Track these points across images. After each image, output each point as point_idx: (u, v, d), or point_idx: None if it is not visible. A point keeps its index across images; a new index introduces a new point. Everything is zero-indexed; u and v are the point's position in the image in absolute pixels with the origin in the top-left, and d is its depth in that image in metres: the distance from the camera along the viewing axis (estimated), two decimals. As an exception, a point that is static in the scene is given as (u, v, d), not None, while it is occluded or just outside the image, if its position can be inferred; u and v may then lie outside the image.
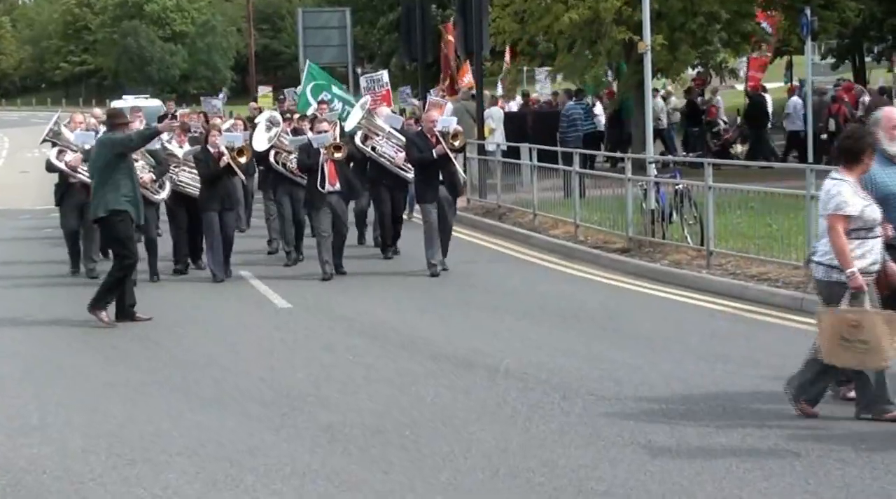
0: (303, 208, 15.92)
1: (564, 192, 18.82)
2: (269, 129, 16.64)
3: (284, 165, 16.45)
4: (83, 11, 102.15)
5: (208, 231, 15.07)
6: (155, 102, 38.56)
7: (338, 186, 15.02)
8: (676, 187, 15.92)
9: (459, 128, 15.40)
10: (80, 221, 15.46)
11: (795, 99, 29.06)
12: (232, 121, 19.75)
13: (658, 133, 27.89)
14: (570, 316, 12.31)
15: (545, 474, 7.12)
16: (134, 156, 13.54)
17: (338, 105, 20.78)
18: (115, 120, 12.98)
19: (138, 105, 26.48)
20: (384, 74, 23.92)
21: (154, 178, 15.17)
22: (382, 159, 16.62)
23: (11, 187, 31.10)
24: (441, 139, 14.91)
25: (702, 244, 14.71)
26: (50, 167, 15.82)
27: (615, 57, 25.91)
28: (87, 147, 14.88)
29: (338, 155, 14.96)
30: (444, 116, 16.24)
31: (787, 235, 13.71)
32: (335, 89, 21.07)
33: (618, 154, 23.85)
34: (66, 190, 15.72)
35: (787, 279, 13.12)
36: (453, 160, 15.23)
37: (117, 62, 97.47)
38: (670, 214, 15.92)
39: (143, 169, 14.60)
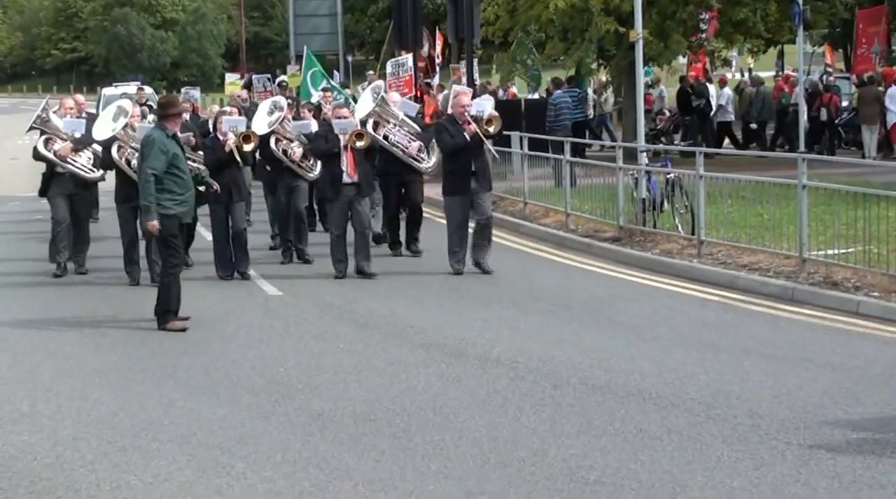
0: (303, 203, 15.32)
1: (555, 180, 18.81)
2: (270, 113, 15.46)
3: (285, 153, 15.35)
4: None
5: (215, 226, 14.15)
6: (148, 89, 38.33)
7: (355, 178, 13.99)
8: (667, 176, 15.91)
9: (495, 113, 14.35)
10: (70, 211, 14.72)
11: (727, 90, 29.43)
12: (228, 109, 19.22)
13: (585, 124, 28.05)
14: (561, 305, 12.30)
15: (536, 463, 7.11)
16: (134, 145, 13.29)
17: (334, 94, 20.65)
18: (166, 110, 11.73)
19: (129, 93, 26.29)
20: (409, 58, 22.79)
21: None
22: (395, 149, 15.42)
23: (1, 174, 31.00)
24: (474, 125, 13.84)
25: (693, 233, 14.72)
26: (37, 156, 14.80)
27: (608, 43, 25.91)
28: (77, 135, 14.49)
29: (360, 143, 13.90)
30: (478, 101, 15.20)
31: (778, 225, 13.71)
32: (331, 80, 21.02)
33: (608, 142, 23.84)
34: (51, 179, 14.72)
35: (778, 269, 13.13)
36: (488, 147, 14.31)
37: (108, 50, 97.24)
38: (661, 203, 15.93)
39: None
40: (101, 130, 13.85)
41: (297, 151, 15.28)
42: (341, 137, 13.96)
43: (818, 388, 8.70)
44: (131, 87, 34.47)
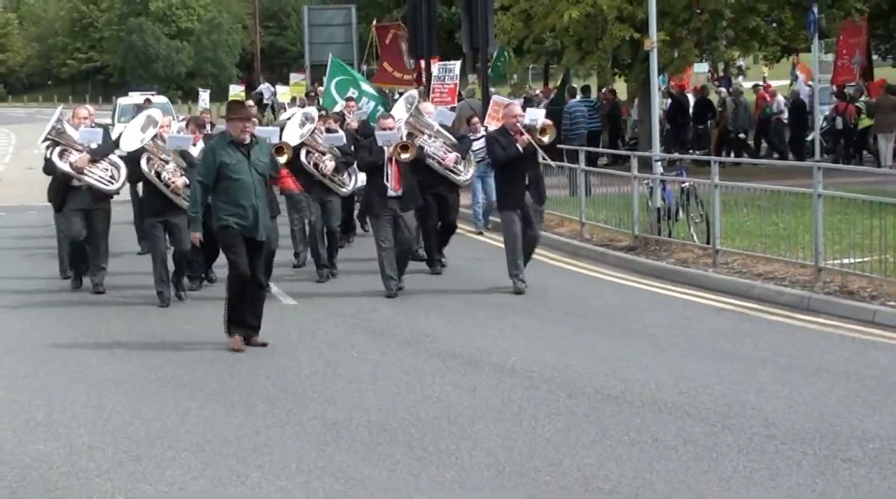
0: (336, 221, 14.72)
1: (570, 189, 18.79)
2: (302, 125, 14.64)
3: (316, 166, 14.52)
4: (90, 9, 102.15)
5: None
6: (161, 99, 38.44)
7: (400, 191, 13.49)
8: (682, 185, 15.90)
9: (548, 121, 13.76)
10: (87, 227, 14.03)
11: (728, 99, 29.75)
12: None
13: (600, 134, 28.20)
14: (576, 314, 12.28)
15: (551, 473, 7.10)
16: (164, 156, 13.11)
17: (366, 104, 20.39)
18: (227, 114, 11.15)
19: (138, 103, 26.12)
20: (457, 65, 22.10)
21: (187, 182, 13.07)
22: (431, 161, 14.80)
23: (19, 183, 31.10)
24: (527, 135, 13.23)
25: (708, 242, 14.68)
26: (50, 169, 14.03)
27: (623, 53, 25.89)
28: (93, 145, 13.86)
29: (405, 155, 13.45)
30: (531, 110, 14.64)
31: (794, 234, 13.67)
32: (364, 86, 20.77)
33: (624, 152, 23.80)
34: (66, 193, 14.03)
35: (794, 278, 13.10)
36: (544, 158, 13.66)
37: (123, 59, 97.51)
38: (676, 212, 15.91)
39: (174, 172, 13.22)
40: (130, 141, 13.38)
41: (328, 164, 14.53)
42: (385, 149, 13.52)
43: (834, 397, 8.67)
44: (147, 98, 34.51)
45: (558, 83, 32.07)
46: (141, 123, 13.48)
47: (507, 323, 11.84)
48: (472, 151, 15.77)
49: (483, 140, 15.45)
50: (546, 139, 13.32)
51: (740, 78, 33.46)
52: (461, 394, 9.10)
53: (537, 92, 32.54)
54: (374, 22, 31.55)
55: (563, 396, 8.91)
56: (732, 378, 9.32)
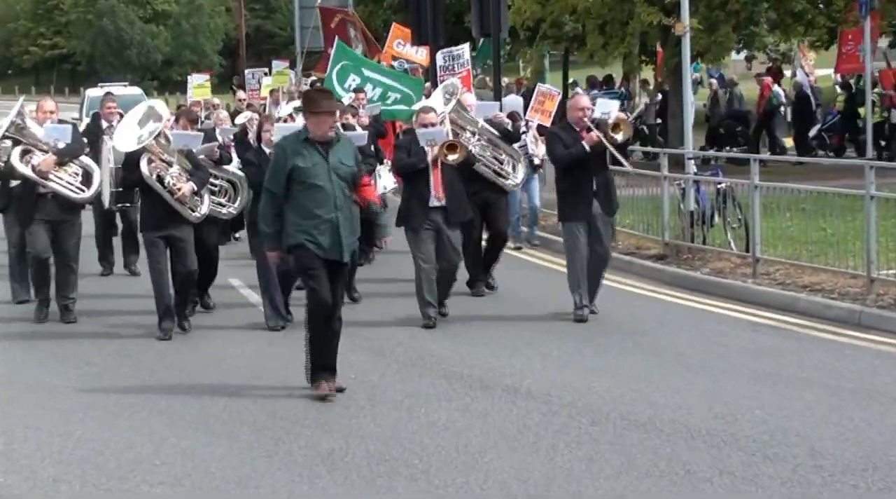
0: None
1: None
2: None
3: None
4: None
5: (264, 264, 12.24)
6: (135, 90, 38.41)
7: (444, 201, 12.80)
8: (718, 186, 15.91)
9: (622, 115, 13.09)
10: (54, 242, 13.27)
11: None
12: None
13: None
14: (599, 331, 12.30)
15: (571, 508, 7.11)
16: (167, 157, 12.34)
17: (372, 90, 19.91)
18: (305, 106, 10.44)
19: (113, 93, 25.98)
20: (465, 49, 21.55)
21: (195, 189, 12.55)
22: (481, 165, 13.98)
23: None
24: (597, 132, 12.49)
25: (747, 250, 14.70)
26: (8, 173, 13.16)
27: (651, 39, 25.96)
28: (60, 145, 13.03)
29: (452, 157, 12.70)
30: (602, 101, 13.82)
31: (844, 241, 13.68)
32: (367, 71, 20.48)
33: (652, 149, 23.84)
34: (27, 201, 13.21)
35: (844, 290, 13.11)
36: (619, 159, 12.71)
37: (93, 46, 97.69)
38: (712, 217, 15.92)
39: (178, 176, 12.44)
40: (127, 140, 12.50)
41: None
42: (428, 150, 12.74)
43: (889, 424, 8.68)
44: (120, 89, 34.49)
45: (527, 72, 32.29)
46: (138, 117, 12.65)
47: (521, 341, 11.86)
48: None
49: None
50: (620, 137, 12.56)
51: (801, 70, 33.35)
52: (471, 420, 9.12)
53: (505, 82, 32.66)
54: (318, 2, 31.82)
55: (585, 422, 8.92)
56: (774, 402, 9.33)
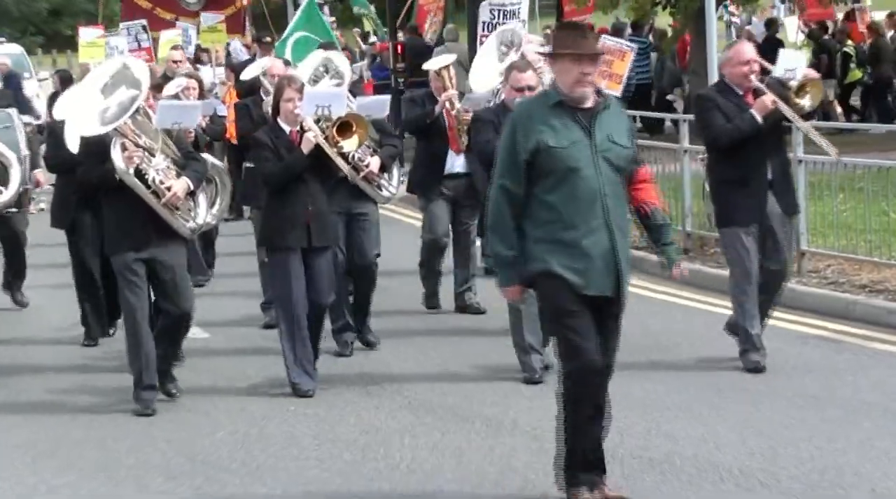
0: (372, 247, 12.79)
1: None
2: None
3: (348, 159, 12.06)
4: None
5: (283, 294, 11.32)
6: (12, 48, 38.14)
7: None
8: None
9: (813, 73, 12.11)
10: None
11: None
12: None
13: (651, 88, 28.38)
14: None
15: (569, 570, 7.15)
16: (147, 142, 10.78)
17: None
18: (558, 46, 8.22)
19: None
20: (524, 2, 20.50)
21: (191, 187, 11.03)
22: None
23: None
24: (771, 95, 11.25)
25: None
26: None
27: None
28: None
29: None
30: (786, 54, 13.02)
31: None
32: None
33: (670, 115, 23.88)
34: None
35: (911, 290, 13.17)
36: (814, 138, 11.89)
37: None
38: (745, 200, 15.92)
39: (166, 170, 10.89)
40: (86, 117, 10.89)
41: (371, 159, 12.30)
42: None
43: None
44: None
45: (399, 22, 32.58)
46: (103, 81, 11.00)
47: (504, 360, 11.82)
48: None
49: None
50: (807, 103, 11.55)
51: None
52: (442, 460, 9.16)
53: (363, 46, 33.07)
54: None
55: (586, 461, 8.96)
56: (824, 433, 9.38)
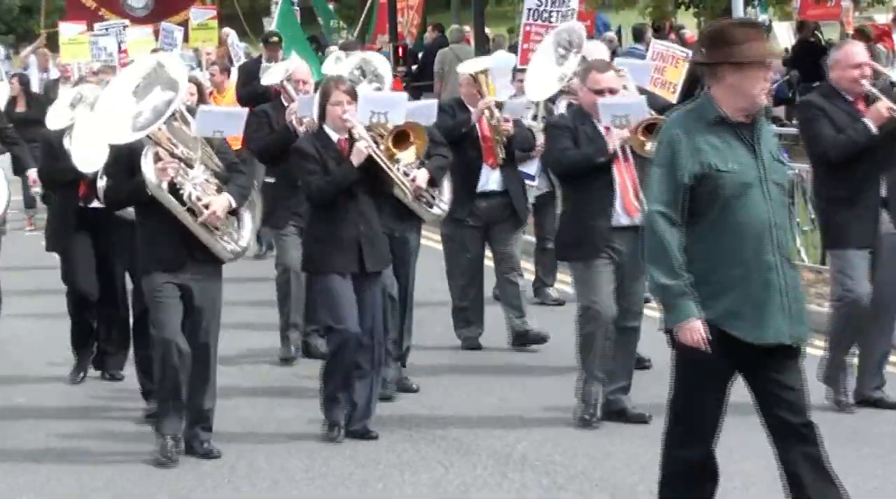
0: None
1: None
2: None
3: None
4: None
5: (334, 323, 10.78)
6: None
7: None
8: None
9: None
10: None
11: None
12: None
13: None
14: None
15: None
16: (185, 152, 10.30)
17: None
18: (718, 49, 7.71)
19: None
20: None
21: (233, 204, 10.47)
22: None
23: None
24: (888, 101, 10.77)
25: (823, 262, 14.67)
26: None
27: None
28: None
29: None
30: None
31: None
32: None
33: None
34: None
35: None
36: None
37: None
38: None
39: (204, 185, 10.33)
40: (115, 123, 10.41)
41: (418, 172, 11.82)
42: (613, 135, 10.87)
43: None
44: None
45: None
46: (135, 82, 10.57)
47: (514, 390, 11.85)
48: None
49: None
50: None
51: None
52: (445, 497, 9.18)
53: (491, 36, 32.62)
54: None
55: (603, 500, 8.96)
56: (868, 470, 9.34)
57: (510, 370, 12.54)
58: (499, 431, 10.63)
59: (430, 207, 11.97)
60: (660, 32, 29.86)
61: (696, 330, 7.32)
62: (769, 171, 7.45)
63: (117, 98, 10.39)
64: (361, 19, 33.98)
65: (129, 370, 12.33)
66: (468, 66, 13.85)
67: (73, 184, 11.94)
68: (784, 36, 31.59)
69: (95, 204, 11.95)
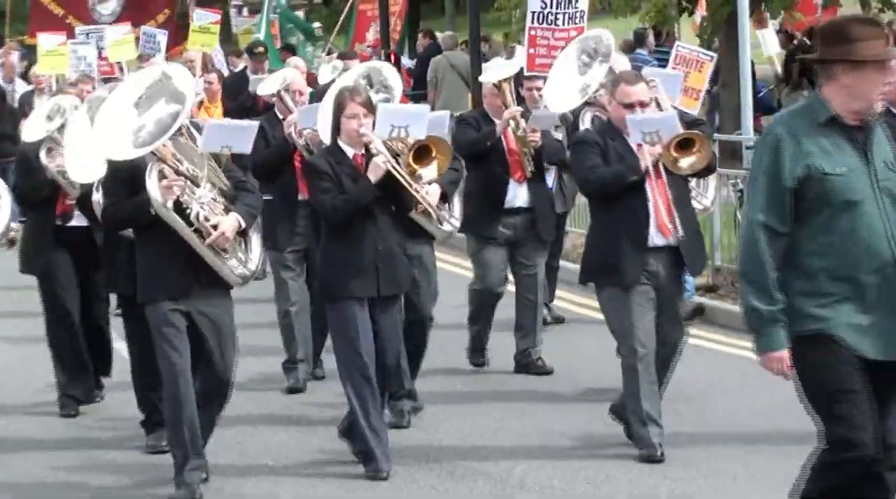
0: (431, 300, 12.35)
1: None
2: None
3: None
4: None
5: (349, 351, 10.58)
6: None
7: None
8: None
9: None
10: None
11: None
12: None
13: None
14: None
15: None
16: (191, 169, 10.00)
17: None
18: (832, 45, 7.55)
19: None
20: None
21: (242, 225, 10.22)
22: None
23: None
24: None
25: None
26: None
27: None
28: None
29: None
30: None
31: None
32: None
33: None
34: None
35: None
36: None
37: None
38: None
39: (212, 204, 10.07)
40: (117, 140, 10.04)
41: (429, 187, 11.13)
42: (645, 152, 10.60)
43: None
44: None
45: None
46: (137, 93, 10.29)
47: (512, 412, 11.85)
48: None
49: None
50: None
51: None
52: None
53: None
54: None
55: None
56: None
57: (507, 393, 12.52)
58: (495, 455, 10.62)
59: (441, 222, 11.62)
60: (658, 39, 29.92)
61: (783, 361, 7.26)
62: (882, 179, 7.26)
63: (118, 110, 10.08)
64: (336, 28, 33.82)
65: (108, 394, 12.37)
66: (491, 75, 13.59)
67: (49, 200, 11.87)
68: (772, 43, 31.58)
69: (74, 222, 11.94)
